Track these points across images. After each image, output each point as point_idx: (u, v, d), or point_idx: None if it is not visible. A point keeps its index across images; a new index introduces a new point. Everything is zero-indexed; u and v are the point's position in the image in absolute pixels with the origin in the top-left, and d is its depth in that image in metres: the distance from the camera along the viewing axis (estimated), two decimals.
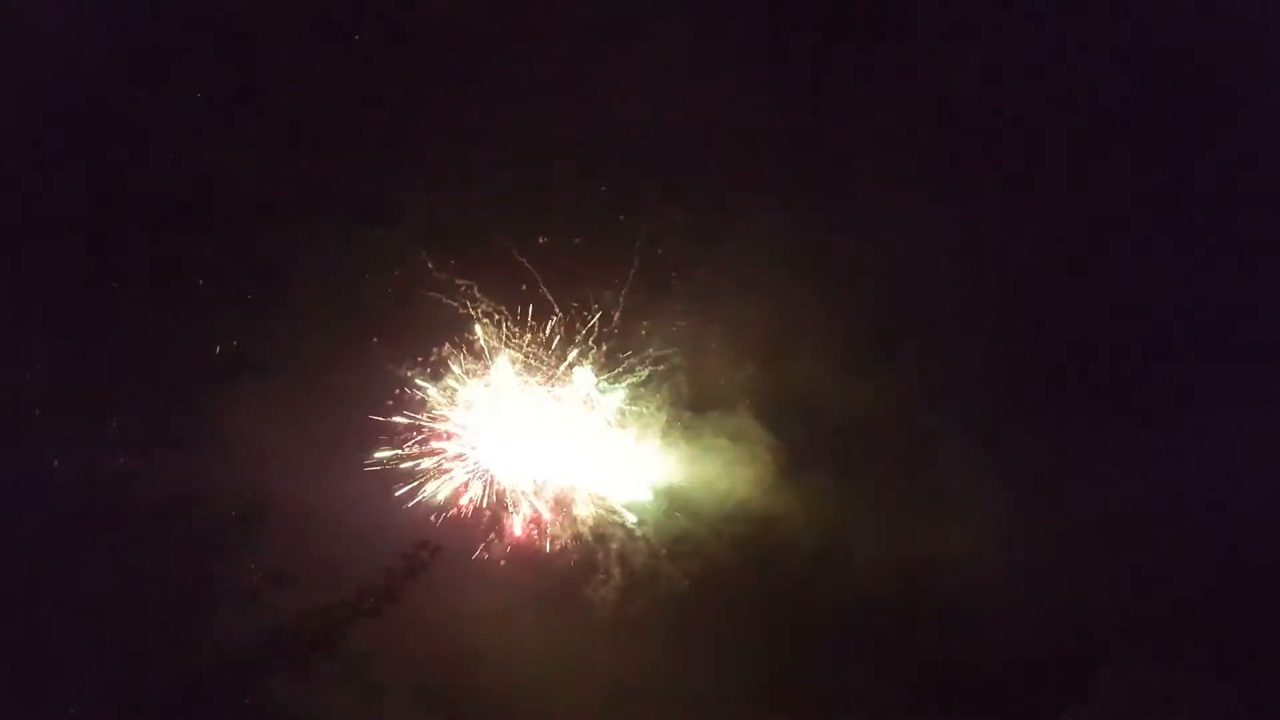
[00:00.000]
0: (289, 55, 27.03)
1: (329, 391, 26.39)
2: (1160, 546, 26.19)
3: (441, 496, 26.33)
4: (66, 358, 26.12)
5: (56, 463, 24.80)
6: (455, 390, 26.63)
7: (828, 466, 27.02)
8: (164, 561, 24.78)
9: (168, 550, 24.83)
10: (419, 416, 26.48)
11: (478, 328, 26.41)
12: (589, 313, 26.55)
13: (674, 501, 26.85)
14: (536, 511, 26.56)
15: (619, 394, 26.93)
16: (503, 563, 26.28)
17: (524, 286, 26.58)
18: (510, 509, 26.52)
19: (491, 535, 26.32)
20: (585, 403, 26.98)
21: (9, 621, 24.02)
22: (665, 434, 26.91)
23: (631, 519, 26.55)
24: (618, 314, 26.69)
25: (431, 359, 26.40)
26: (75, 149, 26.91)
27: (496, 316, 26.65)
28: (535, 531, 26.47)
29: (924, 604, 26.95)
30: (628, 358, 26.86)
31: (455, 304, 26.33)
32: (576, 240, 26.81)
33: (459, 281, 26.37)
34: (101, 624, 24.37)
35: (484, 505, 26.44)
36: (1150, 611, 26.24)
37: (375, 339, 26.34)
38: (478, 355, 26.76)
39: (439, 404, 26.63)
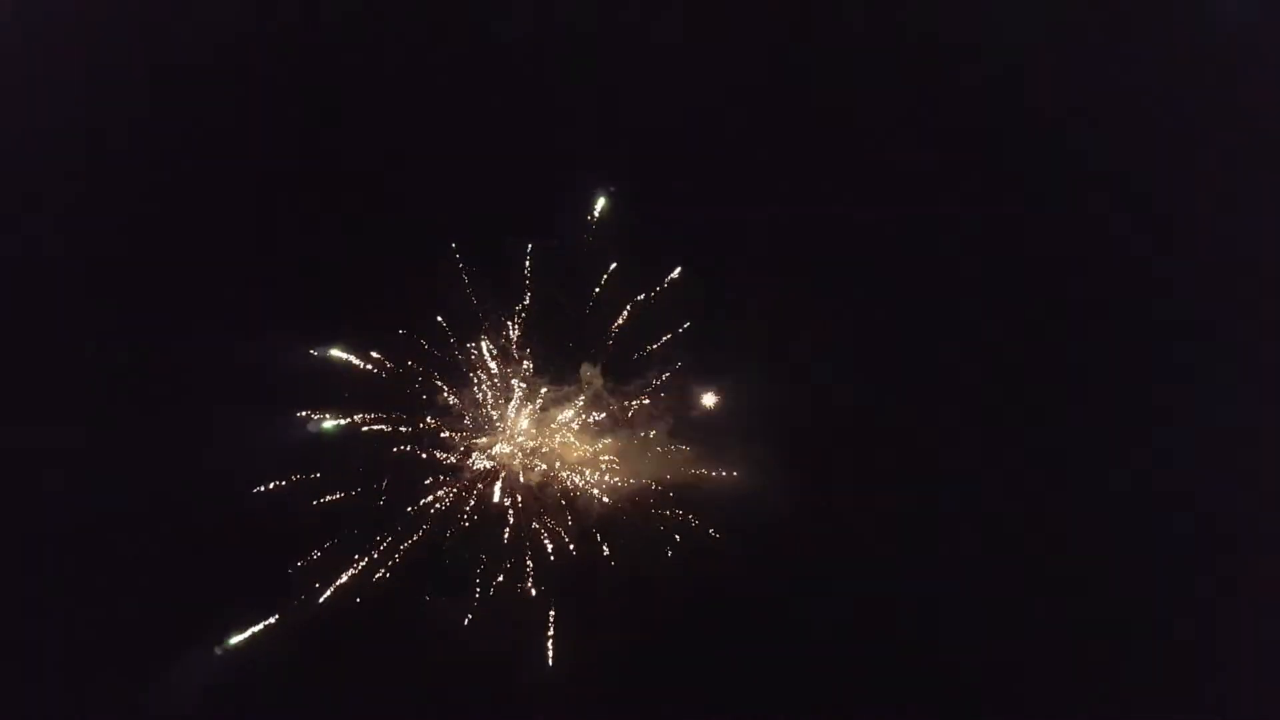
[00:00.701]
0: (294, 59, 27.06)
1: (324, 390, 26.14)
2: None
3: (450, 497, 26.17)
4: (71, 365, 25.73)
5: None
6: (466, 390, 26.61)
7: (827, 466, 27.05)
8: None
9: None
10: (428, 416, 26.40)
11: (487, 325, 26.51)
12: (599, 314, 26.74)
13: (679, 499, 26.66)
14: (542, 506, 26.36)
15: (627, 393, 26.96)
16: (509, 565, 25.83)
17: (534, 287, 26.64)
18: (517, 503, 26.34)
19: (504, 531, 26.06)
20: (594, 402, 26.88)
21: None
22: (672, 433, 26.81)
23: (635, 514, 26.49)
24: (625, 314, 26.76)
25: (446, 360, 26.42)
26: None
27: (504, 318, 26.61)
28: (540, 527, 26.20)
29: (920, 603, 27.09)
30: (636, 359, 27.00)
31: (471, 304, 26.37)
32: (589, 237, 26.80)
33: (469, 282, 26.29)
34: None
35: (493, 502, 26.27)
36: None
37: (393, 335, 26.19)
38: (490, 354, 26.72)
39: (452, 403, 26.61)
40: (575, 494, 26.47)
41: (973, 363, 27.51)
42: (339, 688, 24.85)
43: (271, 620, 24.26)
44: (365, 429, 26.04)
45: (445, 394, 26.63)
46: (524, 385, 26.79)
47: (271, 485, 24.98)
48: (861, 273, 28.00)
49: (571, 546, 25.96)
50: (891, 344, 27.93)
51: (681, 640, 26.26)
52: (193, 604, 24.64)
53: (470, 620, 25.02)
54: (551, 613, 25.34)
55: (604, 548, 25.96)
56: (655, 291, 26.76)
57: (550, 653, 25.17)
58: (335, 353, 25.99)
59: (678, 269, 26.73)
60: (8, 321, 26.07)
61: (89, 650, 24.23)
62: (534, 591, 25.44)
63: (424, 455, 26.32)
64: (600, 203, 26.69)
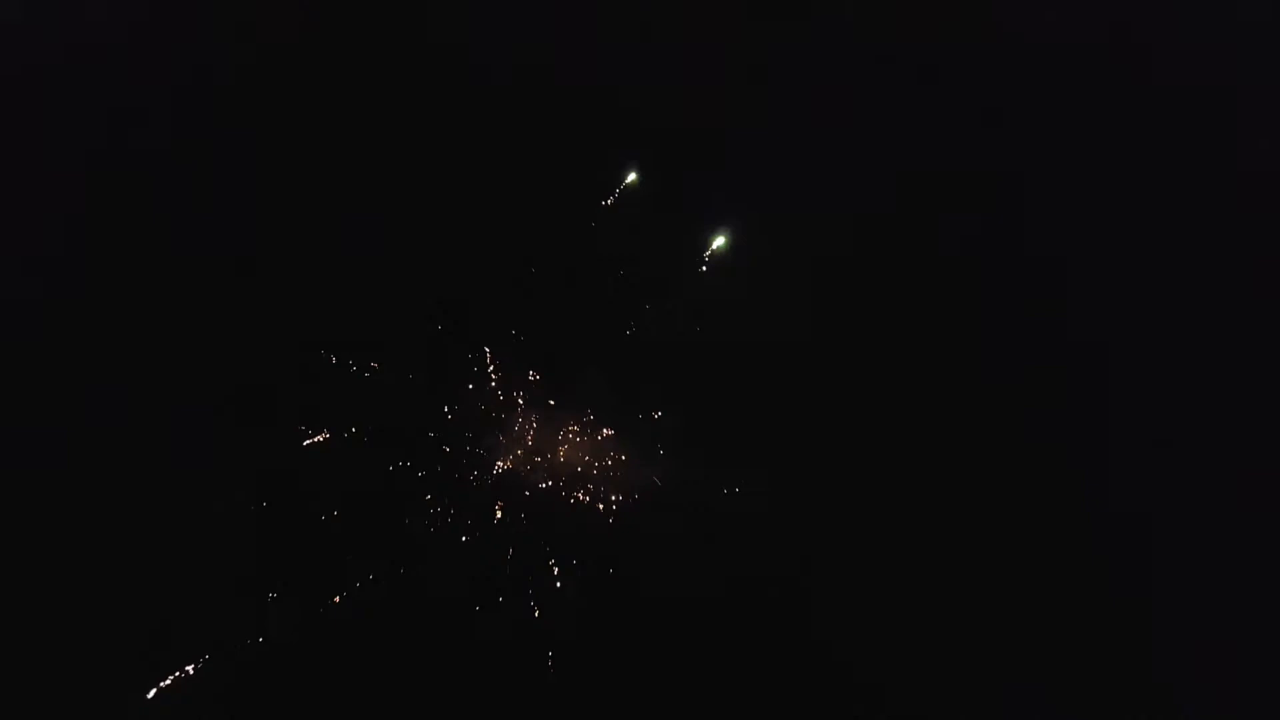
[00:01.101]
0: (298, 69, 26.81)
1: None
2: None
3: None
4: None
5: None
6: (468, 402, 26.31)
7: (839, 473, 27.15)
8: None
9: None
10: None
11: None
12: (608, 318, 26.59)
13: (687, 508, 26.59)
14: (545, 519, 26.15)
15: (634, 401, 26.80)
16: (510, 579, 25.61)
17: (539, 302, 26.46)
18: (520, 518, 26.12)
19: (507, 545, 25.83)
20: (600, 411, 26.72)
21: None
22: (681, 441, 26.71)
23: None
24: (634, 320, 26.69)
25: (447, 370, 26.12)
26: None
27: (508, 326, 26.39)
28: (543, 540, 26.03)
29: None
30: (646, 365, 26.86)
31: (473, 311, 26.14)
32: (598, 235, 26.72)
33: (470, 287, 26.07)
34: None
35: (495, 517, 26.04)
36: None
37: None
38: (493, 363, 26.48)
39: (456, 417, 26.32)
40: (580, 506, 26.33)
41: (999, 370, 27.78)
42: (335, 704, 24.63)
43: (259, 640, 23.95)
44: (363, 440, 25.76)
45: (446, 406, 26.38)
46: (528, 396, 26.61)
47: (263, 502, 24.65)
48: (872, 276, 28.20)
49: (575, 560, 25.83)
50: (902, 346, 28.11)
51: (684, 646, 26.32)
52: (181, 618, 24.30)
53: (470, 633, 24.88)
54: (555, 626, 25.26)
55: (608, 559, 25.92)
56: (665, 292, 26.84)
57: (551, 664, 25.09)
58: (331, 362, 25.73)
59: (720, 238, 26.62)
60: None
61: (62, 667, 23.81)
62: (537, 612, 25.32)
63: (422, 471, 26.05)
64: (611, 199, 26.61)
